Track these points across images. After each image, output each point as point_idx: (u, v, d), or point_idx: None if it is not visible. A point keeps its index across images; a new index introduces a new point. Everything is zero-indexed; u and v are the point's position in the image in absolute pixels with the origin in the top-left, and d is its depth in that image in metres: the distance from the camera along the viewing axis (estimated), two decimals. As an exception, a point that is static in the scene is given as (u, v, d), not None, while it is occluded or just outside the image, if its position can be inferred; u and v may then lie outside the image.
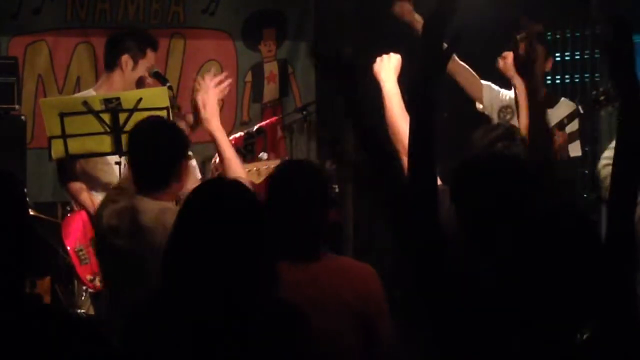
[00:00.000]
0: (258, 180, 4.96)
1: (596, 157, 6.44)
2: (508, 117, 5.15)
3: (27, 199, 2.27)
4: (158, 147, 3.31)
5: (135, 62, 4.67)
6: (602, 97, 4.98)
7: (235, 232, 2.32)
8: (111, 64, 4.75)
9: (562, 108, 5.21)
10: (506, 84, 5.17)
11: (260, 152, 6.95)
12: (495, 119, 5.13)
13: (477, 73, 5.28)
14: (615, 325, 2.08)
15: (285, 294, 2.40)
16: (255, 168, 4.94)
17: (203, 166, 5.93)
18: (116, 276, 3.30)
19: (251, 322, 2.29)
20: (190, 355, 2.28)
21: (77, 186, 4.57)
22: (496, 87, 5.30)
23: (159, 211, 3.25)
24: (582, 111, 5.01)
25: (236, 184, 2.51)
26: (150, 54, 4.71)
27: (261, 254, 2.34)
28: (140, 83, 4.69)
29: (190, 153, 3.55)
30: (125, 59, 4.66)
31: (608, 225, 2.14)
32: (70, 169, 4.59)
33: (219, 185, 2.51)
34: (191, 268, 2.31)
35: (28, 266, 2.14)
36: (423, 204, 2.12)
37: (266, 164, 4.94)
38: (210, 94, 3.75)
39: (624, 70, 2.16)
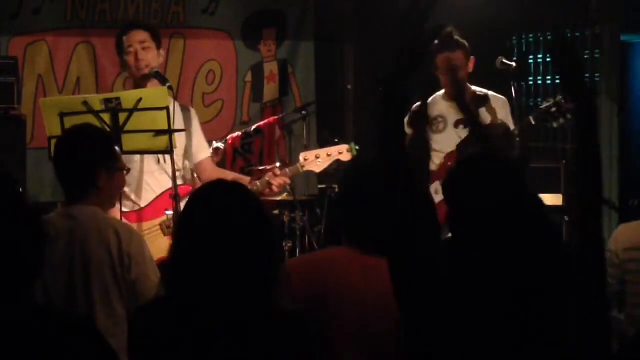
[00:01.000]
0: (319, 169, 4.89)
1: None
2: (441, 126, 5.11)
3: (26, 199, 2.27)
4: (77, 152, 3.36)
5: (121, 57, 4.63)
6: (553, 109, 4.88)
7: (237, 236, 2.32)
8: None
9: (495, 104, 5.10)
10: (500, 86, 5.15)
11: (258, 152, 6.95)
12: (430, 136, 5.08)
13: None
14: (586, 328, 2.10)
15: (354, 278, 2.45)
16: (314, 155, 4.84)
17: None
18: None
19: (252, 326, 2.29)
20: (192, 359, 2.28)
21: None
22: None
23: (92, 214, 3.32)
24: (533, 122, 4.92)
25: (238, 186, 2.51)
26: (127, 37, 4.59)
27: (263, 258, 2.34)
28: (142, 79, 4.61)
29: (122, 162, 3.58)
30: (120, 62, 4.66)
31: (577, 239, 2.18)
32: None
33: (220, 188, 2.50)
34: (193, 272, 2.31)
35: (28, 266, 2.14)
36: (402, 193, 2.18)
37: (328, 151, 4.85)
38: None
39: (575, 81, 2.23)
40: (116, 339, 2.90)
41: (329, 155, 4.83)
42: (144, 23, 5.04)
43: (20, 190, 2.20)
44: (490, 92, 5.14)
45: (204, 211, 2.38)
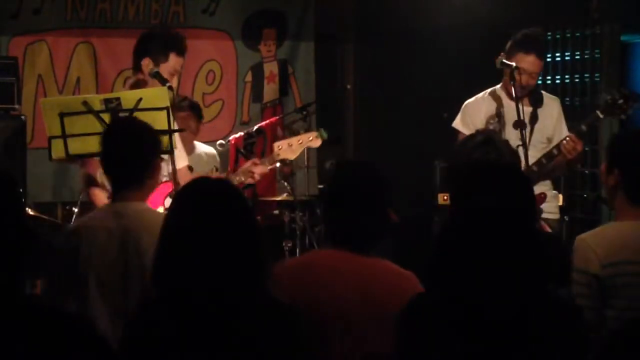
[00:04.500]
0: (293, 156, 4.97)
1: (597, 156, 6.45)
2: (493, 126, 5.05)
3: (26, 199, 2.27)
4: (134, 145, 3.38)
5: (157, 65, 4.55)
6: (620, 101, 4.70)
7: (225, 230, 2.32)
8: (135, 66, 4.65)
9: (550, 105, 5.03)
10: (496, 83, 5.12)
11: (260, 152, 6.96)
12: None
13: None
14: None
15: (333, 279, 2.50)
16: (287, 144, 4.93)
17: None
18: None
19: (247, 321, 2.30)
20: (188, 356, 2.28)
21: (101, 195, 4.51)
22: (477, 107, 5.07)
23: (141, 212, 3.34)
24: (601, 116, 4.74)
25: (224, 182, 2.52)
26: (173, 57, 4.54)
27: (252, 253, 2.35)
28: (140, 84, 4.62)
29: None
30: (146, 62, 4.57)
31: None
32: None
33: (206, 184, 2.52)
34: (183, 269, 2.31)
35: (27, 267, 2.14)
36: None
37: (299, 138, 4.94)
38: None
39: None
40: None
41: (300, 143, 4.93)
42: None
43: (21, 190, 2.19)
44: (544, 93, 5.07)
45: (190, 207, 2.38)
